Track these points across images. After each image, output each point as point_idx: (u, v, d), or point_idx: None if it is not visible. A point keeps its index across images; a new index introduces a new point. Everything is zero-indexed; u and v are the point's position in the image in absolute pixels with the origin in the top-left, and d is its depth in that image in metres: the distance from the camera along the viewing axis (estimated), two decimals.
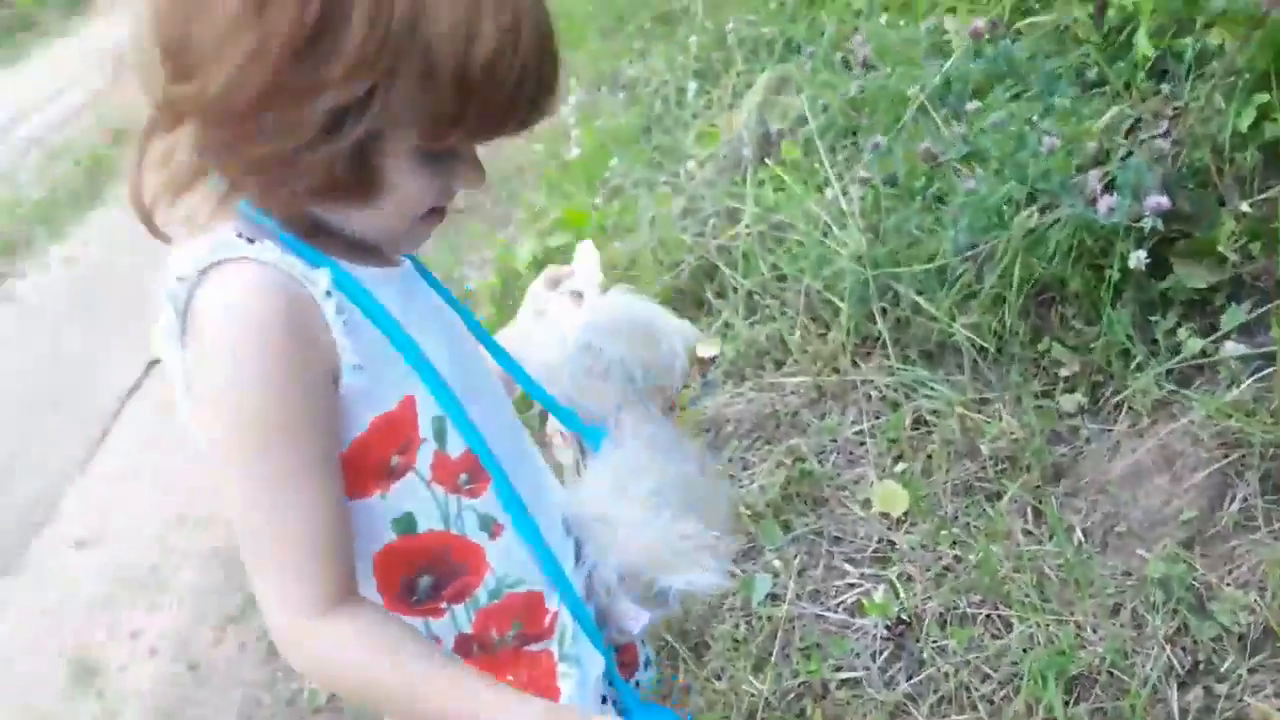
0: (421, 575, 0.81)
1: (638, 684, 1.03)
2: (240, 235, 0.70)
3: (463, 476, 0.80)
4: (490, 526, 0.82)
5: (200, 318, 0.68)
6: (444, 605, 0.82)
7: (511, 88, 0.68)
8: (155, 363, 3.32)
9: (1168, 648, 1.51)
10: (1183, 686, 1.49)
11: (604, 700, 0.92)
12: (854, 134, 2.69)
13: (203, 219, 0.71)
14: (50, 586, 2.52)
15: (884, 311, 2.14)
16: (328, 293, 0.70)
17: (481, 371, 0.89)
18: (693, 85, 3.53)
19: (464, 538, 0.81)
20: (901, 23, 2.85)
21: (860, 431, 2.04)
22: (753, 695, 1.69)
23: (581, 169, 3.18)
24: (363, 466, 0.75)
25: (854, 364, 2.16)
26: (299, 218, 0.74)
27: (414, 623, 0.81)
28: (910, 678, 1.65)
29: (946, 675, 1.63)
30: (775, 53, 3.39)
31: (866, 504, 1.92)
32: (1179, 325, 1.79)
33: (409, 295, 0.81)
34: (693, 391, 2.26)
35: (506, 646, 0.85)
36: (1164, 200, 1.61)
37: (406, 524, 0.78)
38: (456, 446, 0.78)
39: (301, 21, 0.63)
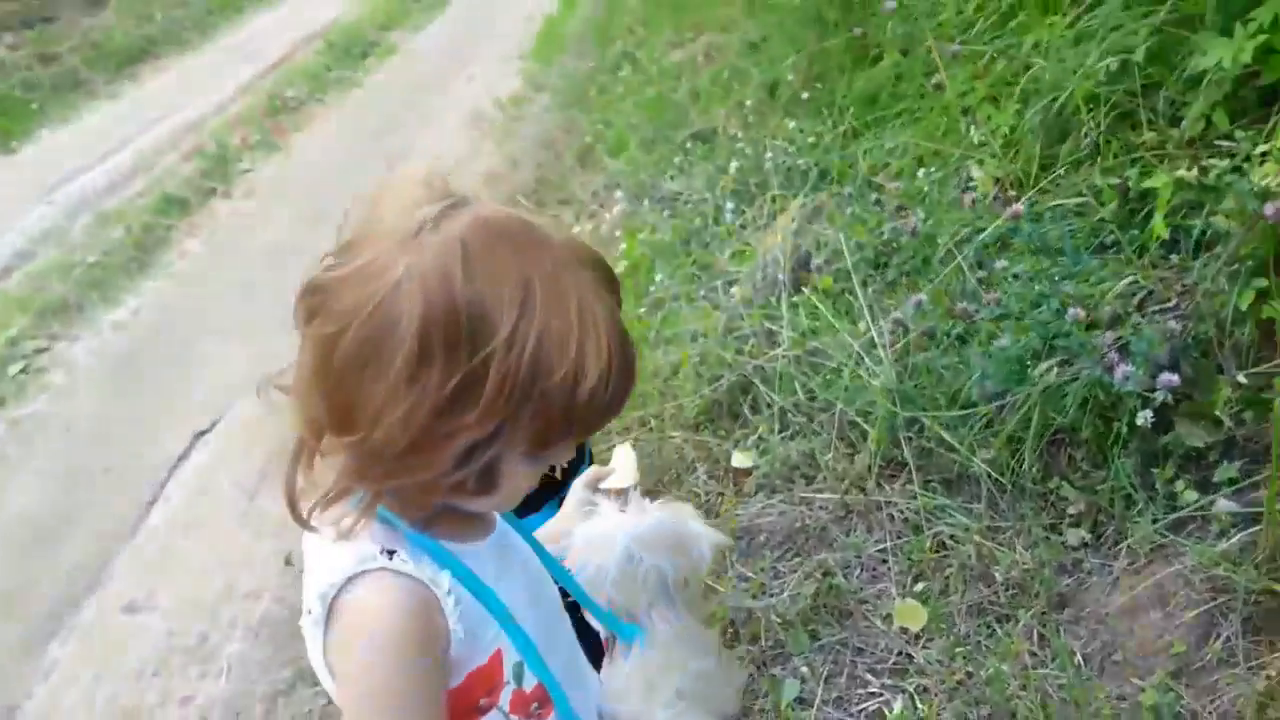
0: None
1: None
2: (381, 549, 0.87)
3: (534, 705, 1.01)
4: None
5: (345, 616, 0.86)
6: None
7: (605, 406, 0.86)
8: (202, 434, 3.56)
9: None
10: None
11: None
12: (884, 267, 2.98)
13: (347, 527, 0.86)
14: (99, 650, 2.69)
15: (909, 439, 2.40)
16: (449, 590, 0.89)
17: (550, 595, 1.11)
18: (730, 204, 3.84)
19: None
20: (932, 169, 3.16)
21: (883, 550, 2.28)
22: None
23: (628, 282, 3.47)
24: (454, 708, 0.93)
25: (879, 486, 2.40)
26: (422, 514, 0.92)
27: None
28: None
29: None
30: (810, 181, 3.71)
31: (888, 619, 2.14)
32: (1177, 477, 2.04)
33: (501, 552, 1.00)
34: (729, 501, 2.50)
35: None
36: (1174, 377, 1.88)
37: None
38: (530, 682, 1.00)
39: (445, 388, 0.80)
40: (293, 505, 0.89)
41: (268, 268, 4.69)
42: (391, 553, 0.88)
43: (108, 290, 4.73)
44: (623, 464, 1.38)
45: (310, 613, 0.88)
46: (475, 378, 0.80)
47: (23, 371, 4.12)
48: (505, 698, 0.97)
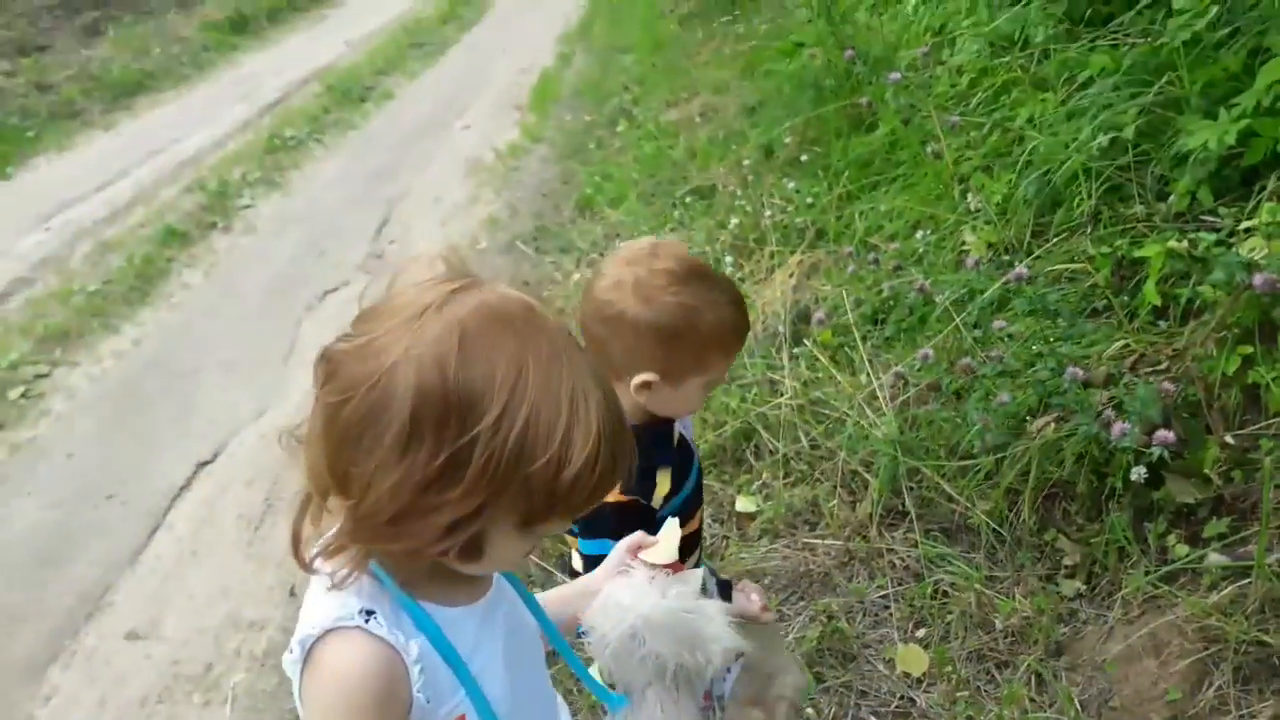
0: None
1: None
2: (361, 609, 0.91)
3: None
4: None
5: (316, 666, 0.91)
6: None
7: (590, 492, 0.89)
8: (205, 464, 3.55)
9: None
10: None
11: None
12: (881, 323, 3.07)
13: (339, 579, 0.91)
14: (102, 677, 2.66)
15: (910, 489, 2.46)
16: (416, 659, 0.93)
17: (534, 654, 1.12)
18: (729, 258, 3.93)
19: None
20: (927, 232, 3.27)
21: (885, 595, 2.33)
22: None
23: None
24: None
25: (880, 534, 2.46)
26: (413, 571, 0.96)
27: None
28: None
29: None
30: (806, 239, 3.81)
31: (890, 663, 2.19)
32: (1168, 531, 2.12)
33: (485, 621, 1.02)
34: (734, 545, 2.55)
35: None
36: (1169, 434, 1.96)
37: None
38: None
39: (430, 467, 0.83)
40: (297, 552, 0.94)
41: (268, 301, 4.71)
42: (370, 613, 0.92)
43: (108, 318, 4.71)
44: (667, 539, 1.41)
45: (291, 653, 0.93)
46: (461, 458, 0.83)
47: (23, 396, 4.09)
48: None
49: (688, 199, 4.65)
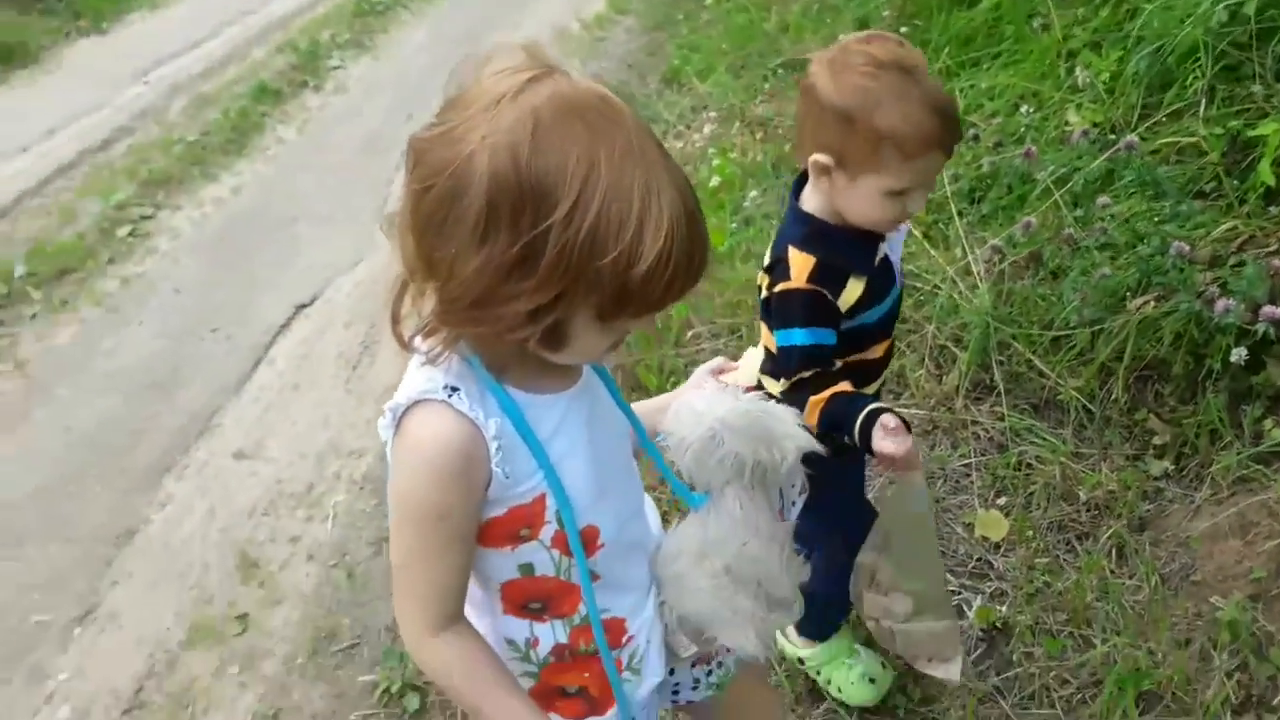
0: (534, 600, 1.09)
1: (709, 672, 1.33)
2: (446, 385, 0.95)
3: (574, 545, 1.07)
4: (593, 577, 1.08)
5: (403, 435, 0.96)
6: (547, 619, 1.11)
7: (664, 289, 0.88)
8: (303, 306, 3.61)
9: (1228, 680, 1.76)
10: (1237, 714, 1.74)
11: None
12: (979, 201, 2.96)
13: (433, 355, 0.95)
14: (212, 489, 2.77)
15: (1000, 363, 2.41)
16: (495, 435, 0.96)
17: (619, 452, 1.13)
18: None
19: (568, 583, 1.08)
20: (1030, 109, 3.12)
21: (968, 465, 2.31)
22: None
23: (719, 197, 3.46)
24: (499, 533, 1.03)
25: (966, 406, 2.42)
26: (502, 355, 0.98)
27: (522, 624, 1.10)
28: (999, 674, 1.91)
29: (1032, 676, 1.88)
30: None
31: (969, 527, 2.18)
32: (1265, 416, 2.05)
33: (570, 409, 1.04)
34: None
35: (589, 654, 1.13)
36: (1277, 310, 1.88)
37: (527, 569, 1.06)
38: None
39: (507, 254, 0.85)
40: (395, 329, 0.97)
41: (360, 159, 4.69)
42: (454, 390, 0.95)
43: (207, 167, 4.75)
44: (748, 365, 1.39)
45: (384, 418, 0.97)
46: (536, 248, 0.84)
47: (131, 234, 4.17)
48: (546, 534, 1.03)
49: (779, 71, 4.49)
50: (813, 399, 1.40)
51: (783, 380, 1.44)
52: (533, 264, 0.84)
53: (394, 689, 2.12)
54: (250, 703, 2.16)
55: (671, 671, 1.24)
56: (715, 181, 3.53)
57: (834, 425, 1.38)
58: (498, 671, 1.06)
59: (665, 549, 1.18)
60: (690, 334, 2.90)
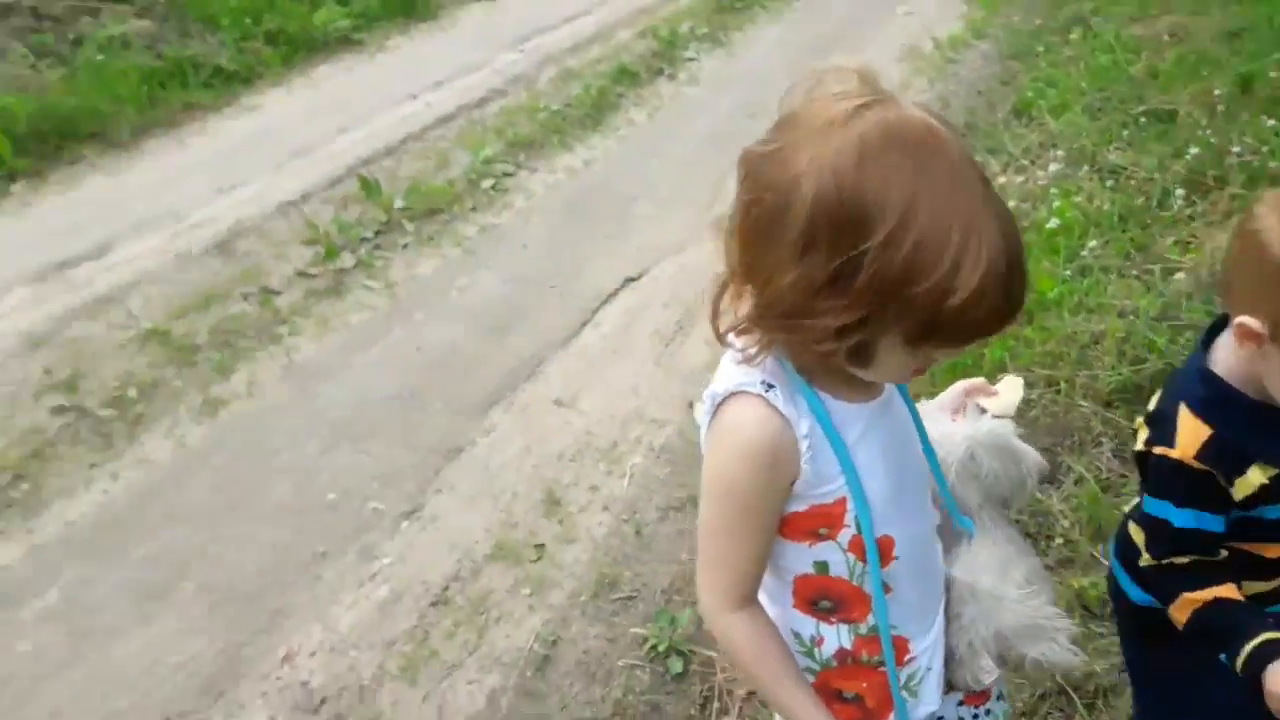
0: (824, 599, 1.12)
1: (988, 711, 1.29)
2: (763, 381, 0.99)
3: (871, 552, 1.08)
4: (885, 588, 1.09)
5: (720, 421, 1.02)
6: (835, 621, 1.13)
7: (977, 324, 0.89)
8: (631, 280, 3.85)
9: None
10: None
11: None
12: None
13: (749, 355, 1.00)
14: (531, 428, 3.06)
15: None
16: (805, 434, 1.00)
17: (914, 471, 1.14)
18: (1180, 191, 3.53)
19: (859, 589, 1.10)
20: None
21: None
22: None
23: (1056, 241, 3.31)
24: (799, 528, 1.07)
25: None
26: (810, 362, 1.01)
27: (809, 620, 1.13)
28: None
29: None
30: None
31: None
32: None
33: (873, 421, 1.06)
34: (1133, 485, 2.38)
35: (871, 665, 1.14)
36: None
37: (822, 567, 1.10)
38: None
39: (822, 273, 0.88)
40: (714, 323, 1.03)
41: (702, 150, 4.90)
42: (770, 386, 0.99)
43: (565, 136, 5.16)
44: (1007, 393, 1.35)
45: (703, 404, 1.04)
46: (849, 270, 0.87)
47: (493, 189, 4.63)
48: (844, 537, 1.07)
49: (1141, 119, 4.18)
50: (1187, 595, 1.20)
51: (1150, 557, 1.24)
52: (845, 284, 0.88)
53: (661, 648, 2.26)
54: (535, 625, 2.39)
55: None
56: (1054, 224, 3.37)
57: (1209, 636, 1.19)
58: (787, 661, 1.11)
59: (962, 570, 1.19)
60: (1002, 377, 2.81)
